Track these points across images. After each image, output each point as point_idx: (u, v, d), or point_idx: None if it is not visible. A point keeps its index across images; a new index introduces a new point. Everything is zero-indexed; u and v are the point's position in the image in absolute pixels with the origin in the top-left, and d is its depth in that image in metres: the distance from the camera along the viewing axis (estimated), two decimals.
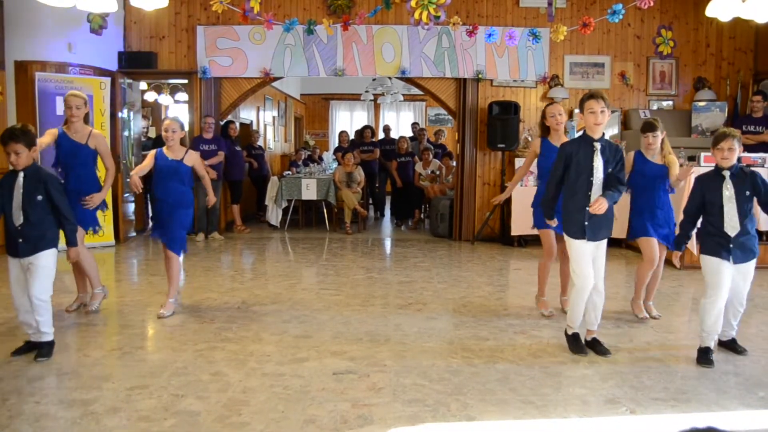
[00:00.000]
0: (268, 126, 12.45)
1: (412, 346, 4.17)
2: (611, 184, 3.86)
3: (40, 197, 3.82)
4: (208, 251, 7.86)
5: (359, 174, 9.85)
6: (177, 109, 13.09)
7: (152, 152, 4.95)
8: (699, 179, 4.05)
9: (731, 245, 3.83)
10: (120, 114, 8.43)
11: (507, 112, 8.44)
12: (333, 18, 8.32)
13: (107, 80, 8.05)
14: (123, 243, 8.23)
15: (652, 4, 5.91)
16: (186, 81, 9.25)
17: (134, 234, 8.83)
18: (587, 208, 3.83)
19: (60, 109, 7.55)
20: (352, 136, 12.34)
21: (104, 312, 5.14)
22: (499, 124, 8.41)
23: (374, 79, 13.15)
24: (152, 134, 11.77)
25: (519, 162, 8.67)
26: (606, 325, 4.68)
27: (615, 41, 8.93)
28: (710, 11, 5.52)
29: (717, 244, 3.87)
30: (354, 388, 3.42)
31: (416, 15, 6.07)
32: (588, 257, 3.91)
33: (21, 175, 3.80)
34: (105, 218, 7.94)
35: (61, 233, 4.06)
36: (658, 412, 3.17)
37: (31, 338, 3.95)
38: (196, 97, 8.89)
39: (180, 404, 3.19)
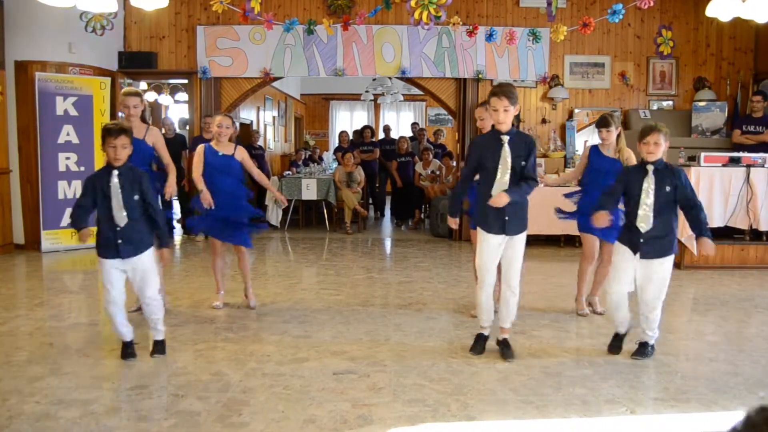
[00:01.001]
0: (268, 126, 12.44)
1: (412, 346, 4.17)
2: (522, 178, 3.78)
3: (136, 196, 3.71)
4: (208, 251, 7.84)
5: (359, 174, 9.85)
6: (177, 109, 13.10)
7: (200, 148, 4.93)
8: (626, 170, 4.11)
9: (641, 240, 3.84)
10: (120, 114, 8.42)
11: None
12: (333, 18, 8.32)
13: (107, 80, 8.05)
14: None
15: (652, 4, 5.91)
16: (186, 81, 9.25)
17: None
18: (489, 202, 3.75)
19: (60, 108, 7.57)
20: (351, 137, 12.33)
21: (104, 312, 5.14)
22: None
23: (374, 79, 13.15)
24: None
25: None
26: (606, 325, 4.69)
27: (615, 41, 8.93)
28: (710, 11, 5.52)
29: (628, 236, 3.91)
30: (354, 388, 3.42)
31: (416, 15, 6.07)
32: (494, 251, 3.84)
33: (116, 173, 3.67)
34: None
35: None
36: (658, 412, 3.17)
37: (126, 338, 3.87)
38: (196, 97, 8.90)
39: (180, 404, 3.19)
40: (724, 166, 6.79)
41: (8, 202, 7.47)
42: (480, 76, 8.70)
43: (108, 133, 3.64)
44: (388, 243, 8.99)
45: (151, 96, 12.42)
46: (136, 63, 8.70)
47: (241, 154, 4.96)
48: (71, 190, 7.70)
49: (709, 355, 4.08)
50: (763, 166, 6.76)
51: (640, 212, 3.82)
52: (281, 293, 5.63)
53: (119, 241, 3.66)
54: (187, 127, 9.37)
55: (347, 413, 3.10)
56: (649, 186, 3.81)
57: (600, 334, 4.49)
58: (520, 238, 3.85)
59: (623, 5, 6.11)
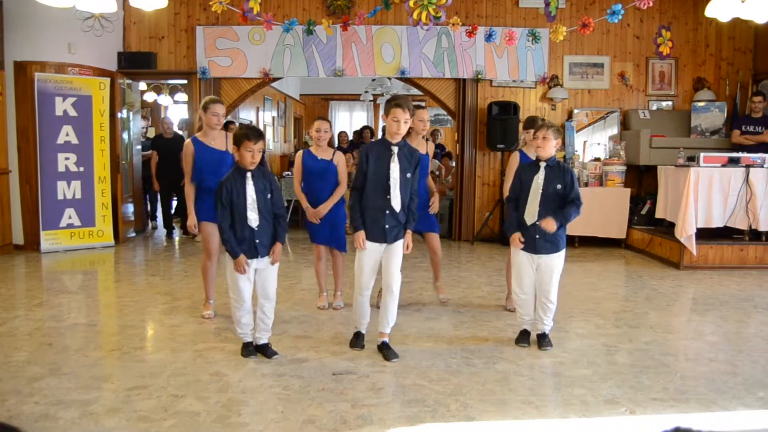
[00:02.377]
0: (267, 126, 12.44)
1: (412, 347, 4.17)
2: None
3: (269, 195, 3.81)
4: None
5: None
6: (176, 109, 13.09)
7: (299, 154, 4.96)
8: (521, 167, 4.22)
9: (536, 236, 3.99)
10: (119, 114, 8.43)
11: (506, 113, 8.44)
12: (332, 18, 8.31)
13: (106, 80, 8.04)
14: (122, 243, 8.23)
15: (651, 4, 5.90)
16: (185, 81, 9.25)
17: (133, 234, 8.83)
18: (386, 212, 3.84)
19: (60, 109, 7.57)
20: (351, 137, 12.33)
21: (103, 312, 5.15)
22: (499, 124, 8.41)
23: (374, 80, 13.13)
24: (151, 134, 11.74)
25: None
26: (605, 326, 4.70)
27: (614, 41, 8.93)
28: (710, 11, 5.52)
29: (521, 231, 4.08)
30: (353, 389, 3.42)
31: (415, 15, 6.07)
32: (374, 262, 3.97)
33: (249, 174, 3.75)
34: (105, 219, 7.97)
35: None
36: (657, 413, 3.17)
37: (247, 339, 3.95)
38: (195, 98, 8.88)
39: (179, 404, 3.18)
40: (723, 166, 6.79)
41: (7, 202, 7.47)
42: (479, 76, 8.70)
43: (247, 137, 3.68)
44: None
45: (150, 96, 12.43)
46: (135, 63, 8.69)
47: (339, 159, 4.95)
48: (70, 190, 7.70)
49: (709, 355, 4.08)
50: (762, 167, 6.77)
51: (527, 206, 4.03)
52: (281, 294, 5.59)
53: (257, 241, 3.76)
54: (186, 128, 9.35)
55: (347, 413, 3.10)
56: (539, 182, 4.00)
57: (599, 334, 4.49)
58: (400, 244, 4.00)
59: (622, 5, 6.11)
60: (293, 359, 3.88)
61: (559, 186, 3.97)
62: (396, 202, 3.84)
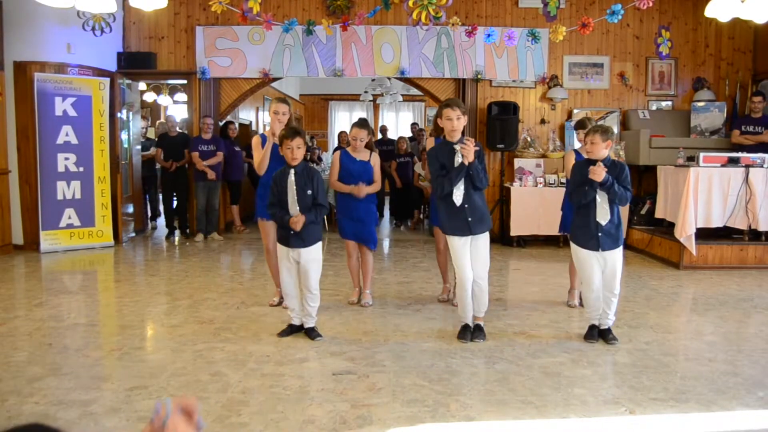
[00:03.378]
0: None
1: (412, 347, 4.17)
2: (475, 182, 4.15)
3: (309, 191, 4.13)
4: (207, 252, 7.86)
5: None
6: (176, 109, 13.09)
7: (336, 154, 5.18)
8: (578, 164, 4.36)
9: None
10: (119, 114, 8.42)
11: (506, 113, 8.44)
12: (332, 18, 8.30)
13: (106, 81, 8.04)
14: (121, 243, 8.23)
15: (651, 4, 5.91)
16: (185, 81, 9.24)
17: (133, 234, 8.83)
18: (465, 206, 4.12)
19: (59, 109, 7.57)
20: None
21: (103, 312, 5.15)
22: (499, 124, 8.40)
23: (373, 80, 13.13)
24: (151, 134, 11.74)
25: (518, 162, 8.68)
26: None
27: (614, 41, 8.93)
28: (709, 11, 5.53)
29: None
30: (353, 389, 3.42)
31: (414, 15, 6.08)
32: (467, 252, 4.18)
33: (292, 171, 4.13)
34: (105, 219, 7.97)
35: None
36: (657, 413, 3.17)
37: (293, 321, 4.35)
38: (195, 98, 8.89)
39: None
40: (723, 166, 6.79)
41: (7, 202, 7.46)
42: (479, 76, 8.70)
43: (284, 136, 4.14)
44: (387, 243, 8.99)
45: (150, 96, 12.43)
46: (135, 63, 8.69)
47: (375, 161, 5.13)
48: (70, 190, 7.69)
49: (708, 355, 4.08)
50: (762, 167, 6.77)
51: (599, 209, 4.14)
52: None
53: (291, 233, 4.11)
54: (186, 128, 9.34)
55: (346, 414, 3.10)
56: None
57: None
58: (486, 236, 4.23)
59: (622, 6, 6.11)
60: (293, 359, 3.89)
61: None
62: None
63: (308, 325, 4.32)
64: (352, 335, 4.40)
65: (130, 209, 8.78)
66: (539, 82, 8.84)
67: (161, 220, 10.04)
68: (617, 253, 4.18)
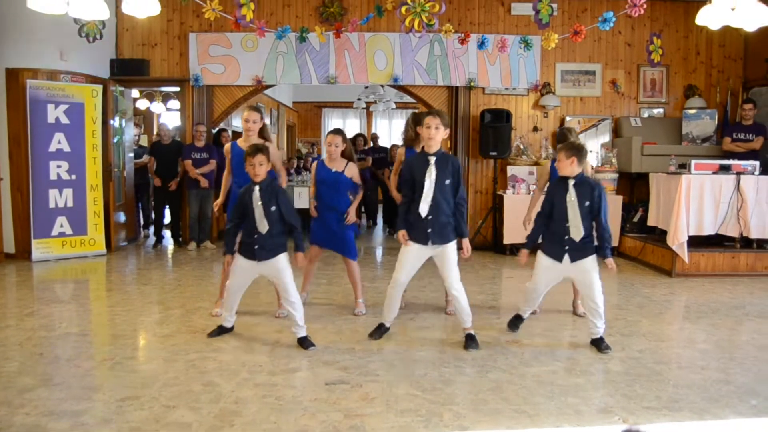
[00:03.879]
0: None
1: (405, 356, 4.16)
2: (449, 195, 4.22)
3: (273, 208, 4.20)
4: (200, 260, 7.83)
5: None
6: (169, 116, 13.05)
7: (314, 165, 5.28)
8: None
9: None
10: (112, 122, 8.40)
11: (499, 120, 8.46)
12: (325, 26, 8.32)
13: (99, 88, 8.01)
14: (114, 252, 8.19)
15: (642, 12, 5.94)
16: (178, 89, 9.23)
17: (125, 243, 8.79)
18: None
19: (52, 116, 7.55)
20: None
21: (94, 321, 5.12)
22: (491, 131, 8.43)
23: (366, 87, 13.17)
24: (143, 142, 11.70)
25: (511, 170, 8.69)
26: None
27: (606, 49, 8.99)
28: (700, 19, 5.56)
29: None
30: (346, 399, 3.41)
31: (407, 22, 6.09)
32: (412, 259, 4.36)
33: (257, 188, 4.19)
34: (97, 228, 7.94)
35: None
36: (650, 421, 3.18)
37: (225, 323, 4.55)
38: (188, 105, 8.88)
39: (171, 415, 3.16)
40: (714, 173, 6.83)
41: None
42: (472, 83, 8.73)
43: (247, 153, 4.22)
44: (379, 251, 8.98)
45: (143, 104, 12.40)
46: (128, 70, 8.68)
47: (352, 171, 5.16)
48: (62, 198, 7.66)
49: (701, 363, 4.09)
50: (753, 174, 6.81)
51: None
52: (273, 303, 5.61)
53: (256, 247, 4.20)
54: (179, 136, 9.31)
55: (339, 424, 3.09)
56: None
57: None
58: (452, 245, 4.31)
59: (614, 13, 6.15)
60: (286, 369, 3.87)
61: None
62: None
63: (300, 335, 4.31)
64: (345, 344, 4.38)
65: (123, 217, 8.74)
66: (532, 89, 8.88)
67: (153, 228, 9.99)
68: (589, 262, 4.24)
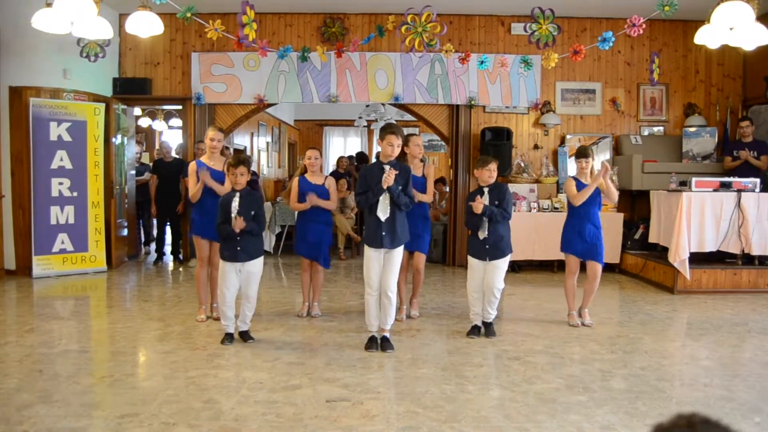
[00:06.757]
0: (261, 152, 12.47)
1: (406, 373, 4.14)
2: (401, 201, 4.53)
3: (252, 212, 4.71)
4: None
5: (352, 200, 9.86)
6: (171, 134, 13.12)
7: (295, 180, 5.73)
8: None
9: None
10: (114, 139, 8.44)
11: (500, 138, 8.49)
12: (327, 45, 8.39)
13: (101, 106, 8.06)
14: (115, 268, 8.18)
15: (641, 31, 5.99)
16: (180, 107, 9.28)
17: (126, 260, 8.79)
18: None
19: (54, 134, 7.58)
20: (356, 161, 12.33)
21: (95, 339, 5.10)
22: (492, 149, 8.44)
23: (368, 106, 13.22)
24: (145, 159, 11.73)
25: (512, 188, 8.65)
26: (600, 351, 4.68)
27: (606, 68, 9.04)
28: (699, 39, 5.60)
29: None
30: (347, 416, 3.39)
31: (408, 42, 6.14)
32: (377, 265, 4.55)
33: (237, 195, 4.71)
34: (98, 244, 7.94)
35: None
36: None
37: (227, 329, 4.77)
38: (190, 123, 8.92)
39: None
40: (715, 191, 6.84)
41: (0, 227, 7.43)
42: (472, 102, 8.78)
43: (230, 164, 4.73)
44: None
45: (145, 122, 12.46)
46: (130, 89, 8.74)
47: (330, 184, 5.68)
48: (64, 215, 7.67)
49: (704, 380, 4.07)
50: (753, 191, 6.81)
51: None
52: (274, 320, 5.60)
53: (238, 248, 4.66)
54: (181, 154, 9.35)
55: None
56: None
57: (594, 359, 4.48)
58: (400, 250, 4.62)
59: (613, 33, 6.20)
60: (286, 386, 3.85)
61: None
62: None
63: (243, 329, 4.82)
64: (345, 361, 4.36)
65: (124, 234, 8.75)
66: (532, 107, 8.92)
67: (154, 246, 9.99)
68: (502, 262, 4.99)
